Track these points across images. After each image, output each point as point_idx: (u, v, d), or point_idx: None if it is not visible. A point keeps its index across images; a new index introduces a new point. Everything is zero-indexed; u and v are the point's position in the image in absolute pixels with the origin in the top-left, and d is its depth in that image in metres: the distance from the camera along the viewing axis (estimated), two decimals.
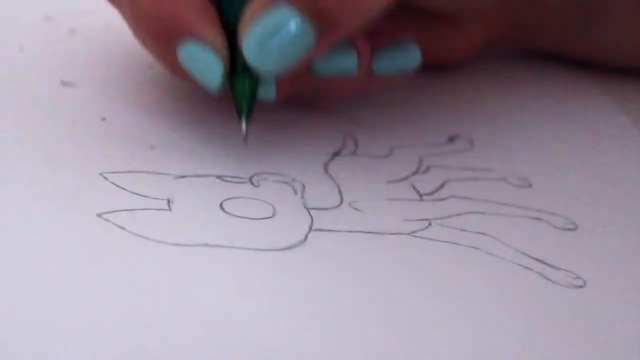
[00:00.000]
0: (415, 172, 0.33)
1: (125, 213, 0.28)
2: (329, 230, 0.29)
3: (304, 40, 0.29)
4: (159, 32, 0.30)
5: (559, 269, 0.29)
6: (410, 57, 0.34)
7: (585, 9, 0.40)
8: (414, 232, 0.29)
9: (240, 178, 0.31)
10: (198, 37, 0.30)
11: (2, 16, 0.41)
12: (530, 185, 0.33)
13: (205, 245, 0.27)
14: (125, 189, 0.29)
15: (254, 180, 0.31)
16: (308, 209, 0.30)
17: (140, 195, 0.29)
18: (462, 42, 0.40)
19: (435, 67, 0.39)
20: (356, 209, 0.30)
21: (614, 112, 0.40)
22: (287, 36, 0.29)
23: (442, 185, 0.32)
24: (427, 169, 0.33)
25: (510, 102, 0.40)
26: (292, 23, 0.29)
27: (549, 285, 0.28)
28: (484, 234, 0.30)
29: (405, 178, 0.33)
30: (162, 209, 0.29)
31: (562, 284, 0.28)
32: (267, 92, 0.31)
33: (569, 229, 0.31)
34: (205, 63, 0.30)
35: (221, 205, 0.29)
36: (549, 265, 0.29)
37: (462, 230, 0.30)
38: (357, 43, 0.32)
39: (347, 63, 0.32)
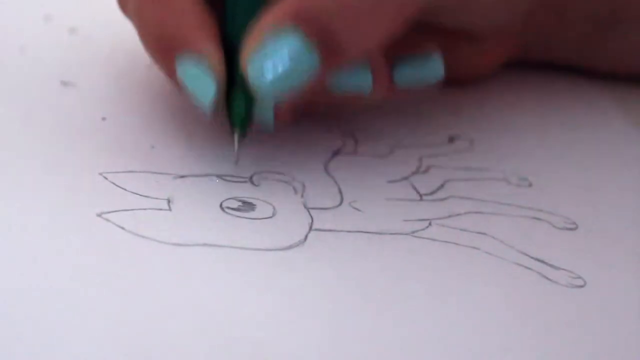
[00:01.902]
0: (415, 172, 0.33)
1: (125, 213, 0.28)
2: (329, 230, 0.29)
3: (308, 65, 0.29)
4: (160, 44, 0.30)
5: (559, 268, 0.29)
6: (433, 68, 0.33)
7: (601, 22, 0.40)
8: (414, 232, 0.29)
9: (240, 178, 0.31)
10: (195, 53, 0.29)
11: (2, 16, 0.41)
12: (530, 185, 0.33)
13: (205, 245, 0.27)
14: (125, 189, 0.29)
15: (254, 179, 0.31)
16: (308, 209, 0.30)
17: (140, 195, 0.29)
18: (482, 60, 0.39)
19: (453, 83, 0.39)
20: (356, 209, 0.30)
21: (614, 112, 0.40)
22: (291, 60, 0.28)
23: (442, 185, 0.32)
24: (427, 169, 0.33)
25: (510, 102, 0.40)
26: (297, 47, 0.28)
27: (549, 285, 0.28)
28: (484, 234, 0.30)
29: (405, 178, 0.33)
30: (162, 209, 0.29)
31: (562, 284, 0.28)
32: (266, 120, 0.31)
33: (569, 229, 0.31)
34: (200, 81, 0.29)
35: (221, 205, 0.29)
36: (549, 265, 0.29)
37: (462, 230, 0.30)
38: (372, 61, 0.31)
39: (361, 82, 0.31)
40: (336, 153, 0.33)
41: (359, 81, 0.31)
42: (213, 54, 0.29)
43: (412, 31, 0.32)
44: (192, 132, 0.33)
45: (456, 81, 0.39)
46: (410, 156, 0.34)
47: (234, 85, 0.30)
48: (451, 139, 0.36)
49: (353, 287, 0.27)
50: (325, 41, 0.28)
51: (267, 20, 0.29)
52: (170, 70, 0.30)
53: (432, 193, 0.32)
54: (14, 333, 0.23)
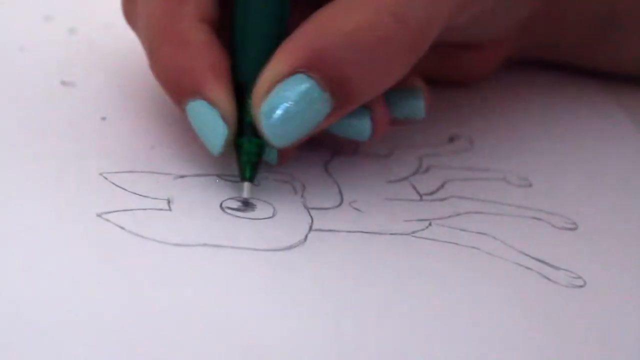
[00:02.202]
0: (415, 172, 0.33)
1: (125, 213, 0.28)
2: (329, 230, 0.29)
3: (319, 112, 0.28)
4: (172, 85, 0.30)
5: (559, 268, 0.29)
6: (416, 107, 0.32)
7: (601, 23, 0.39)
8: (414, 232, 0.29)
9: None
10: (207, 99, 0.29)
11: (2, 16, 0.41)
12: (530, 185, 0.33)
13: (205, 245, 0.27)
14: (125, 189, 0.29)
15: (254, 179, 0.31)
16: (308, 209, 0.30)
17: (140, 195, 0.29)
18: (481, 63, 0.39)
19: (452, 84, 0.39)
20: (356, 209, 0.30)
21: (614, 112, 0.40)
22: (304, 107, 0.28)
23: (442, 185, 0.32)
24: (427, 169, 0.33)
25: (510, 102, 0.40)
26: (310, 94, 0.28)
27: (549, 285, 0.28)
28: (484, 234, 0.30)
29: (405, 178, 0.33)
30: (162, 209, 0.29)
31: (562, 284, 0.28)
32: (270, 158, 0.30)
33: (569, 229, 0.31)
34: (211, 127, 0.29)
35: (221, 205, 0.29)
36: (549, 265, 0.29)
37: (462, 230, 0.30)
38: (373, 105, 0.30)
39: (361, 129, 0.30)
40: (336, 153, 0.33)
41: (359, 129, 0.30)
42: (225, 101, 0.29)
43: None
44: (192, 132, 0.33)
45: (455, 83, 0.39)
46: (410, 156, 0.34)
47: (242, 127, 0.29)
48: (451, 139, 0.36)
49: (353, 287, 0.27)
50: (338, 88, 0.28)
51: (279, 63, 0.28)
52: (180, 109, 0.30)
53: (432, 193, 0.32)
54: (14, 333, 0.23)
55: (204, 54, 0.29)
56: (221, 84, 0.29)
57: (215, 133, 0.29)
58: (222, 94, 0.29)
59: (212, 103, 0.29)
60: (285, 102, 0.28)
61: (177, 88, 0.30)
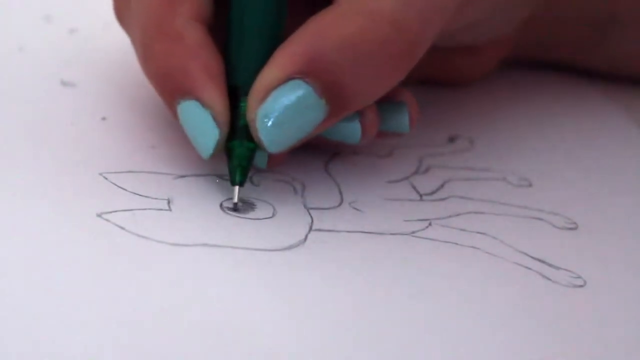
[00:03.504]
0: (415, 172, 0.33)
1: (125, 213, 0.28)
2: (329, 230, 0.29)
3: (315, 117, 0.28)
4: (164, 84, 0.29)
5: (559, 268, 0.29)
6: (401, 122, 0.31)
7: (600, 24, 0.39)
8: (414, 232, 0.29)
9: None
10: (200, 100, 0.28)
11: (2, 16, 0.41)
12: (530, 185, 0.33)
13: (205, 245, 0.27)
14: (125, 189, 0.29)
15: (254, 179, 0.31)
16: (308, 209, 0.30)
17: (140, 195, 0.29)
18: (477, 64, 0.39)
19: (450, 85, 0.39)
20: (356, 209, 0.30)
21: (614, 112, 0.40)
22: (299, 113, 0.28)
23: (442, 185, 0.32)
24: (427, 169, 0.33)
25: (510, 102, 0.40)
26: (306, 99, 0.28)
27: (549, 285, 0.28)
28: (484, 234, 0.30)
29: (405, 178, 0.33)
30: (162, 209, 0.29)
31: (562, 284, 0.28)
32: (260, 162, 0.30)
33: (569, 229, 0.31)
34: (203, 129, 0.29)
35: (221, 205, 0.29)
36: (549, 265, 0.29)
37: (462, 230, 0.30)
38: (364, 117, 0.30)
39: (351, 134, 0.30)
40: (336, 153, 0.33)
41: (348, 132, 0.30)
42: (219, 103, 0.28)
43: None
44: None
45: (452, 84, 0.39)
46: (410, 156, 0.34)
47: (234, 130, 0.29)
48: (451, 139, 0.36)
49: (353, 287, 0.27)
50: (334, 95, 0.28)
51: (276, 68, 0.28)
52: (172, 109, 0.29)
53: (432, 193, 0.32)
54: (14, 333, 0.23)
55: (198, 53, 0.29)
56: (215, 85, 0.29)
57: (207, 135, 0.28)
58: (216, 96, 0.28)
59: (205, 104, 0.28)
60: (282, 108, 0.28)
61: (169, 87, 0.29)
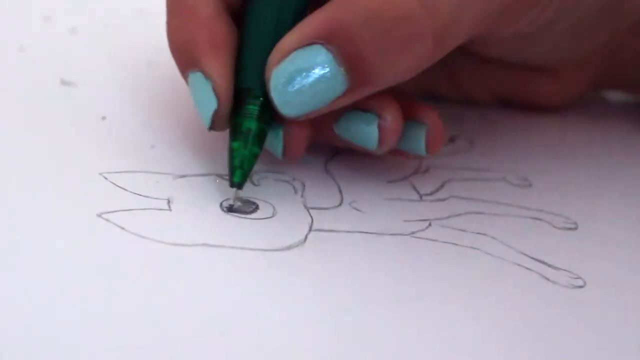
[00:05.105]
0: (415, 172, 0.33)
1: (125, 213, 0.28)
2: (329, 230, 0.29)
3: (334, 87, 0.28)
4: (177, 54, 0.30)
5: (559, 269, 0.29)
6: (416, 143, 0.31)
7: None
8: (413, 232, 0.29)
9: None
10: (203, 71, 0.29)
11: (2, 16, 0.41)
12: (530, 185, 0.33)
13: (205, 245, 0.27)
14: (125, 189, 0.29)
15: (254, 179, 0.31)
16: (308, 209, 0.30)
17: (140, 195, 0.29)
18: (557, 89, 0.38)
19: (535, 109, 0.38)
20: (356, 209, 0.30)
21: (614, 112, 0.40)
22: (318, 79, 0.28)
23: (442, 185, 0.32)
24: (427, 169, 0.33)
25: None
26: (325, 66, 0.27)
27: (549, 285, 0.28)
28: (484, 234, 0.30)
29: (405, 178, 0.33)
30: (162, 209, 0.29)
31: (562, 284, 0.28)
32: (275, 151, 0.30)
33: (569, 229, 0.31)
34: (203, 99, 0.29)
35: (221, 205, 0.29)
36: (549, 265, 0.29)
37: (462, 230, 0.30)
38: (383, 120, 0.30)
39: (368, 139, 0.30)
40: (336, 153, 0.33)
41: (365, 135, 0.30)
42: (219, 74, 0.29)
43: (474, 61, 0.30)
44: (192, 132, 0.33)
45: (533, 107, 0.38)
46: None
47: (238, 131, 0.29)
48: (451, 139, 0.36)
49: (353, 288, 0.27)
50: (354, 66, 0.28)
51: (298, 33, 0.28)
52: (185, 79, 0.30)
53: (432, 193, 0.32)
54: (15, 333, 0.23)
55: (207, 26, 0.29)
56: (218, 56, 0.29)
57: (207, 106, 0.29)
58: (217, 67, 0.29)
59: (206, 75, 0.29)
60: (298, 69, 0.28)
61: (181, 59, 0.30)
